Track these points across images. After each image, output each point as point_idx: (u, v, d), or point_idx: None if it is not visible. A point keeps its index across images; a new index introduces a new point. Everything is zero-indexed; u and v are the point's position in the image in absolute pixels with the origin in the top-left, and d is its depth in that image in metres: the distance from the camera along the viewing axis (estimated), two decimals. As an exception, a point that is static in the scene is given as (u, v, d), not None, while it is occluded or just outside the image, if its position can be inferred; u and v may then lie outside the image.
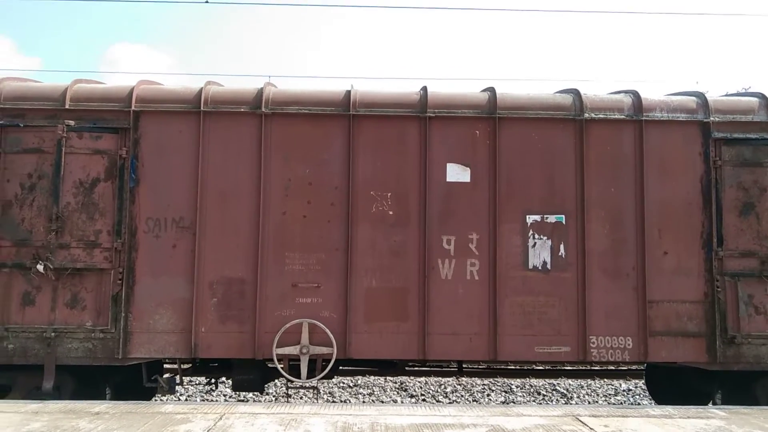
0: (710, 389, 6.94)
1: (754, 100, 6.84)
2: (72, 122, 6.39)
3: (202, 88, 6.63)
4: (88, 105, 6.49)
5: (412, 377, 9.86)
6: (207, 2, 9.82)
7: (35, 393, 6.18)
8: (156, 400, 7.96)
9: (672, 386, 7.58)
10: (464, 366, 8.37)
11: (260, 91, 6.64)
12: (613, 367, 9.96)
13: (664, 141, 6.61)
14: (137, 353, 6.28)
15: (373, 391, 9.42)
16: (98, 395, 6.54)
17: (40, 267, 6.18)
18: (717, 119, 6.62)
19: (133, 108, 6.45)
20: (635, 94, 6.76)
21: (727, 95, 7.38)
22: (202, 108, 6.49)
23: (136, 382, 6.73)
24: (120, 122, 6.46)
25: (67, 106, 6.43)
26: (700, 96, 6.81)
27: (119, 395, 6.89)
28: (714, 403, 6.88)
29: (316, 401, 8.64)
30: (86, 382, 6.52)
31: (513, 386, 9.64)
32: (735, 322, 6.41)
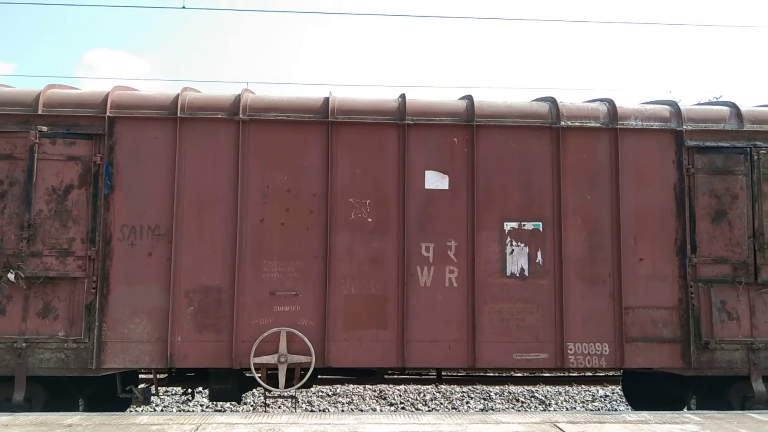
0: (685, 394, 7.03)
1: (725, 109, 6.98)
2: (45, 128, 6.28)
3: (178, 94, 6.56)
4: (62, 111, 6.38)
5: (391, 385, 9.83)
6: (184, 8, 9.75)
7: (5, 405, 6.03)
8: (131, 411, 7.82)
9: (648, 391, 7.66)
10: (443, 373, 8.36)
11: (238, 98, 6.59)
12: (590, 374, 10.03)
13: (639, 149, 6.70)
14: (111, 363, 6.16)
15: (352, 399, 9.37)
16: (71, 407, 6.40)
17: (11, 276, 6.04)
18: (690, 128, 6.74)
19: (108, 114, 6.36)
20: (610, 103, 6.86)
21: (699, 104, 7.54)
22: (178, 114, 6.42)
23: (111, 393, 6.60)
24: (94, 128, 6.36)
25: (40, 112, 6.31)
26: (674, 105, 6.93)
27: (93, 407, 6.76)
28: (689, 408, 6.97)
29: (294, 411, 8.57)
30: (58, 393, 6.38)
31: (492, 393, 9.67)
32: (708, 328, 6.50)
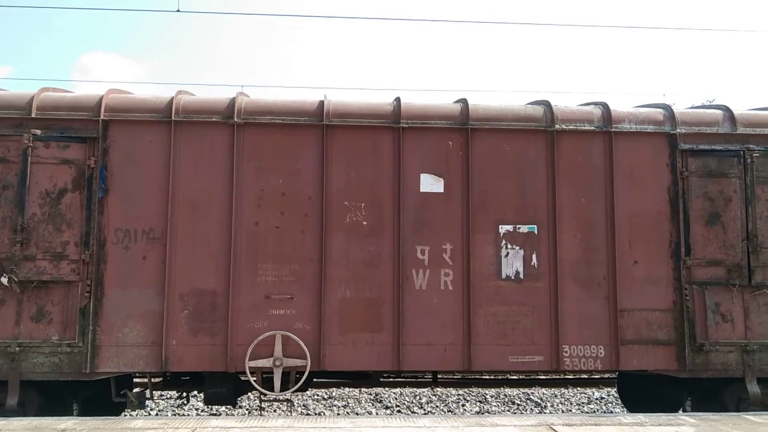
0: (680, 396, 7.04)
1: (719, 112, 7.01)
2: (38, 131, 6.25)
3: (173, 98, 6.55)
4: (56, 114, 6.35)
5: (387, 388, 9.82)
6: (178, 11, 9.75)
7: (-2, 410, 6.00)
8: (125, 416, 7.78)
9: (643, 394, 7.67)
10: (439, 376, 8.37)
11: (232, 101, 6.58)
12: (585, 376, 10.05)
13: (633, 152, 6.72)
14: (106, 367, 6.13)
15: (348, 403, 9.35)
16: (65, 411, 6.37)
17: (4, 279, 6.01)
18: (683, 131, 6.76)
19: (102, 117, 6.34)
20: (605, 106, 6.88)
21: (692, 107, 7.57)
22: (173, 117, 6.41)
23: (105, 397, 6.58)
24: (88, 131, 6.34)
25: (33, 115, 6.29)
26: (667, 108, 6.96)
27: (87, 411, 6.72)
28: (684, 410, 6.99)
29: (290, 414, 8.54)
30: (52, 397, 6.34)
31: (488, 396, 9.66)
32: (703, 330, 6.52)
